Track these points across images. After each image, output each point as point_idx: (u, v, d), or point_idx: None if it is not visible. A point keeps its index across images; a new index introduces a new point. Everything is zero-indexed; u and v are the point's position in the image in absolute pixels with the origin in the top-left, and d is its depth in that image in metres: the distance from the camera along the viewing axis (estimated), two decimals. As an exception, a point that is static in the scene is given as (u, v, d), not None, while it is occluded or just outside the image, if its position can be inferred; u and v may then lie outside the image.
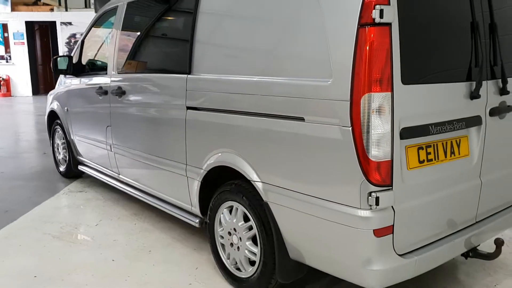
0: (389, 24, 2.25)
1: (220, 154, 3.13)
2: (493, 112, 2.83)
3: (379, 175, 2.31)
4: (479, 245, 3.00)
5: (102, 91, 4.51)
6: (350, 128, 2.31)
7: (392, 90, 2.28)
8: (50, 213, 4.72)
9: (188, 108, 3.37)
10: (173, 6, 3.83)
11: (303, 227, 2.66)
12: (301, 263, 2.79)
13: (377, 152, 2.29)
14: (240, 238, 3.09)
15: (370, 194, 2.31)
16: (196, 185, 3.40)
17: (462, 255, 2.98)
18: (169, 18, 3.93)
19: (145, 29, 4.17)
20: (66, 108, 5.44)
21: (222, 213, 3.23)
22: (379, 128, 2.28)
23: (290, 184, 2.68)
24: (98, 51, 5.03)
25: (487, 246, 3.04)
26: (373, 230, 2.34)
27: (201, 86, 3.26)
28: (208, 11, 3.29)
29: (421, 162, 2.51)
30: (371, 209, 2.32)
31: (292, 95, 2.61)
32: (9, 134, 9.82)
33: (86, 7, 18.85)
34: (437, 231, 2.67)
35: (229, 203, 3.15)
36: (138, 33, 4.30)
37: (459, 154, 2.71)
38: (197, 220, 3.55)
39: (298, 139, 2.59)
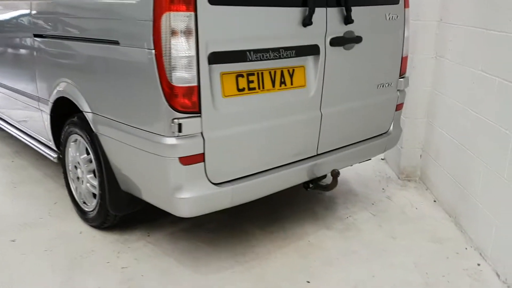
0: None
1: (62, 84, 2.97)
2: (336, 42, 2.73)
3: (183, 101, 2.22)
4: (325, 176, 3.00)
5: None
6: (153, 51, 2.18)
7: (195, 10, 2.15)
8: None
9: (35, 35, 3.17)
10: None
11: (124, 157, 2.59)
12: (135, 196, 2.74)
13: (180, 77, 2.18)
14: (83, 171, 3.01)
15: (173, 120, 2.22)
16: (47, 119, 3.26)
17: (304, 186, 2.99)
18: None
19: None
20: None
21: (70, 147, 3.12)
22: (181, 51, 2.16)
23: (111, 113, 2.58)
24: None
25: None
26: (179, 157, 2.27)
27: (42, 9, 3.06)
28: None
29: (240, 90, 2.42)
30: (175, 136, 2.24)
31: (107, 16, 2.46)
32: None
33: None
34: (264, 161, 2.62)
35: (74, 136, 3.04)
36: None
37: (291, 84, 2.63)
38: (55, 155, 3.43)
39: (114, 64, 2.47)
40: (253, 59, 2.39)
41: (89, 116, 2.74)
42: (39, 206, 3.37)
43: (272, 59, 2.47)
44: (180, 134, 2.22)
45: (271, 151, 2.63)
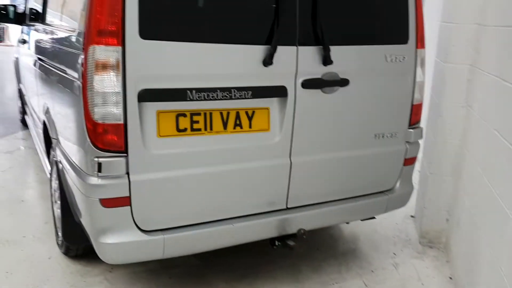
0: (120, -33, 1.95)
1: (46, 107, 3.01)
2: (310, 84, 2.40)
3: (106, 139, 2.06)
4: (296, 234, 2.61)
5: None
6: (81, 84, 2.07)
7: (124, 44, 1.99)
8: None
9: (38, 58, 3.28)
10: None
11: (69, 188, 2.49)
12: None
13: (103, 114, 2.03)
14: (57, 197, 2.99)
15: (93, 159, 2.07)
16: (42, 137, 3.34)
17: (270, 243, 2.64)
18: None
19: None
20: (16, 56, 5.56)
21: (54, 170, 3.13)
22: (106, 86, 2.01)
23: (62, 141, 2.53)
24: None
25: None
26: (100, 199, 2.11)
27: (39, 35, 3.15)
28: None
29: (181, 130, 2.20)
30: (96, 176, 2.08)
31: (62, 44, 2.44)
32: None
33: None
34: (210, 210, 2.35)
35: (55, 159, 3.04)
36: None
37: (250, 127, 2.35)
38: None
39: (63, 94, 2.40)
40: (195, 99, 2.16)
41: (54, 142, 2.71)
42: (30, 224, 3.42)
43: (221, 99, 2.22)
44: (100, 174, 2.06)
45: (220, 200, 2.36)
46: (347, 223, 3.19)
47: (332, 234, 3.54)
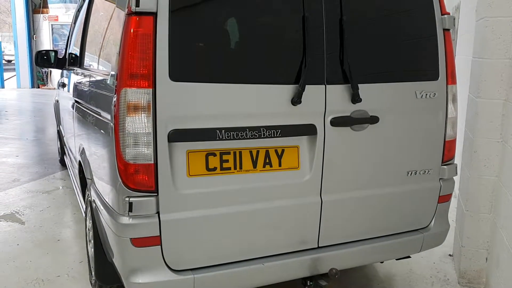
0: (152, 14, 2.03)
1: (81, 148, 3.11)
2: (339, 122, 2.40)
3: (137, 179, 2.10)
4: (326, 273, 2.56)
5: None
6: (113, 126, 2.14)
7: (154, 86, 2.06)
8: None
9: (75, 101, 3.41)
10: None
11: (102, 229, 2.52)
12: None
13: (134, 154, 2.08)
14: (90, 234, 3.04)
15: (124, 199, 2.11)
16: (78, 178, 3.43)
17: (302, 282, 2.58)
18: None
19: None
20: (56, 99, 5.80)
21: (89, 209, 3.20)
22: (137, 127, 2.07)
23: (96, 181, 2.59)
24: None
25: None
26: (131, 238, 2.13)
27: (77, 78, 3.30)
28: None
29: (210, 169, 2.22)
30: (127, 215, 2.12)
31: (96, 88, 2.53)
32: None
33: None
34: (240, 250, 2.33)
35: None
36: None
37: (279, 165, 2.35)
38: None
39: (97, 135, 2.48)
40: (224, 138, 2.19)
41: (88, 182, 2.78)
42: (65, 263, 3.47)
43: (251, 138, 2.24)
44: (131, 213, 2.10)
45: (251, 239, 2.34)
46: (382, 262, 3.10)
47: (366, 273, 3.44)
